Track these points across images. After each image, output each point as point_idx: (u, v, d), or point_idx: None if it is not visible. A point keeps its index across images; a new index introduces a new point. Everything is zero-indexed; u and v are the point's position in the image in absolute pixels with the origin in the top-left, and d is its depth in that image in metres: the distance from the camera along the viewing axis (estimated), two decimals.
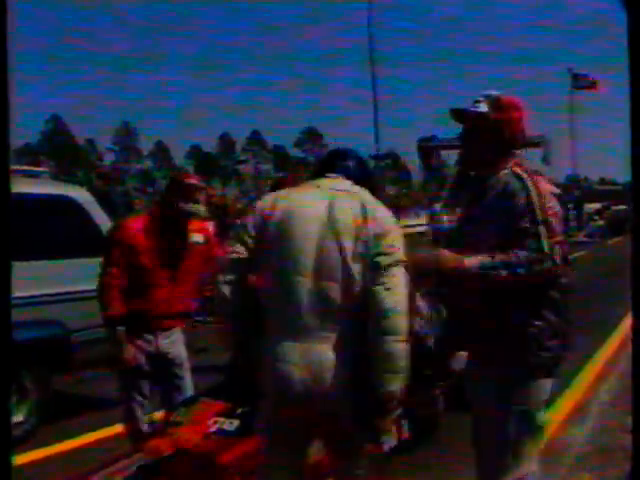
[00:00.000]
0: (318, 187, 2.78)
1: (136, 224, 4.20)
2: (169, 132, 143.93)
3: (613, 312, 9.60)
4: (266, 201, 2.78)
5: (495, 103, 2.89)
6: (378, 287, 2.51)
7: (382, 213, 2.68)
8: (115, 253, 4.09)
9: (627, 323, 9.57)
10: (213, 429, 3.53)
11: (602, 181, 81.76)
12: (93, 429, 5.43)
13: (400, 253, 2.59)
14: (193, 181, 4.27)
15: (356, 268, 2.55)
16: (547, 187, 2.82)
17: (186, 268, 4.23)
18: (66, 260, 5.79)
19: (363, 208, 2.63)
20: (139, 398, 4.15)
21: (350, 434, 2.64)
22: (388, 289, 2.51)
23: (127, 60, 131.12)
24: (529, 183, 2.75)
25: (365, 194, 2.73)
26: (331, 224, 2.60)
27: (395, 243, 2.61)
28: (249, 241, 2.69)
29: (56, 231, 5.84)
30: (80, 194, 6.39)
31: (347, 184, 2.77)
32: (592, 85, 39.71)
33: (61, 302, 5.60)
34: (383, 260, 2.54)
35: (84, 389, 6.59)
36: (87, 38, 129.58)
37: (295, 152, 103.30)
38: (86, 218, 6.13)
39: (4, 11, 1.40)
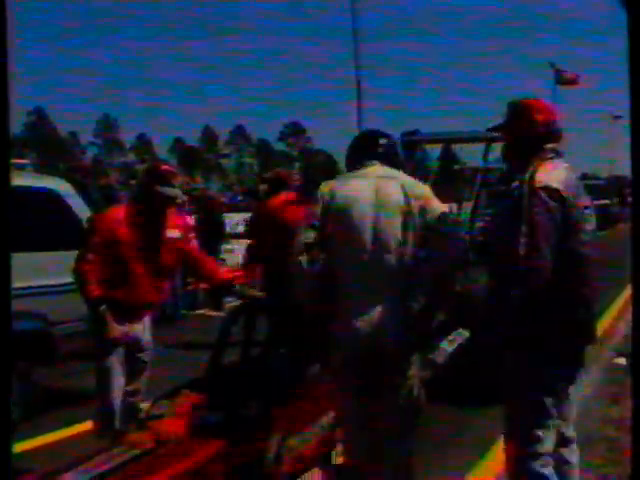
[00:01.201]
0: (365, 176, 3.30)
1: (116, 215, 4.21)
2: (151, 125, 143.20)
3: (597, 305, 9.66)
4: (325, 191, 3.29)
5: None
6: (436, 239, 3.12)
7: (419, 188, 3.27)
8: (94, 241, 4.11)
9: (610, 317, 9.66)
10: (195, 421, 3.53)
11: (584, 176, 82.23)
12: (76, 422, 5.39)
13: (443, 206, 3.23)
14: (169, 168, 4.33)
15: (406, 239, 3.10)
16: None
17: (162, 262, 4.27)
18: (47, 253, 5.75)
19: (403, 188, 3.18)
20: (118, 380, 4.20)
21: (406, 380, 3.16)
22: (445, 237, 3.13)
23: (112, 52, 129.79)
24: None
25: (401, 175, 3.31)
26: (381, 206, 3.16)
27: (435, 205, 3.18)
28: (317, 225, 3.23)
29: (37, 223, 5.78)
30: (62, 187, 6.34)
31: (386, 170, 3.32)
32: (574, 80, 39.89)
33: (43, 295, 5.56)
34: (432, 222, 3.11)
35: (67, 382, 6.55)
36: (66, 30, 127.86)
37: (279, 146, 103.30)
38: (67, 211, 6.08)
39: (3, 11, 1.38)
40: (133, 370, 4.37)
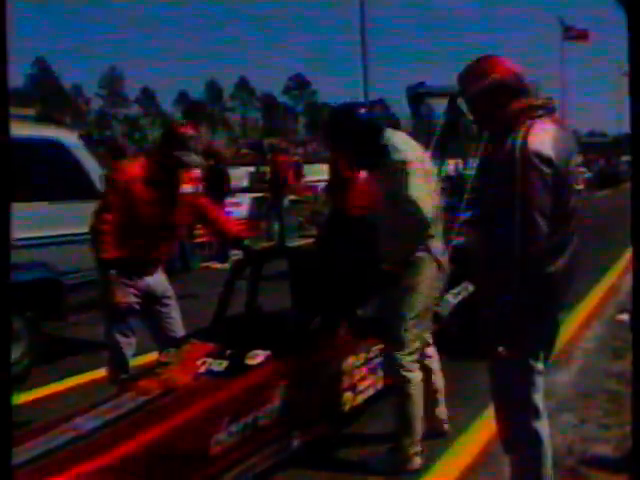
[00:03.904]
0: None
1: (132, 172, 4.16)
2: (155, 78, 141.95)
3: (599, 262, 9.69)
4: (405, 149, 3.78)
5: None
6: None
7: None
8: (112, 199, 4.09)
9: (613, 272, 9.70)
10: (202, 370, 3.58)
11: (592, 133, 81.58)
12: (85, 371, 5.47)
13: None
14: (189, 131, 4.22)
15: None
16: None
17: (176, 219, 4.28)
18: (55, 203, 5.76)
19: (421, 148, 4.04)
20: (127, 339, 4.20)
21: None
22: None
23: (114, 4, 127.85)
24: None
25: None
26: (427, 163, 3.98)
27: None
28: None
29: (43, 174, 5.79)
30: (67, 137, 6.33)
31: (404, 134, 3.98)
32: (583, 36, 39.33)
33: (51, 245, 5.60)
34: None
35: (76, 332, 6.63)
36: None
37: (283, 99, 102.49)
38: (74, 161, 6.08)
39: (3, 11, 1.37)
40: (159, 324, 4.35)
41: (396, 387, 3.82)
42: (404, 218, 3.64)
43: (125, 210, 4.05)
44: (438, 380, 4.11)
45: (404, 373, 3.74)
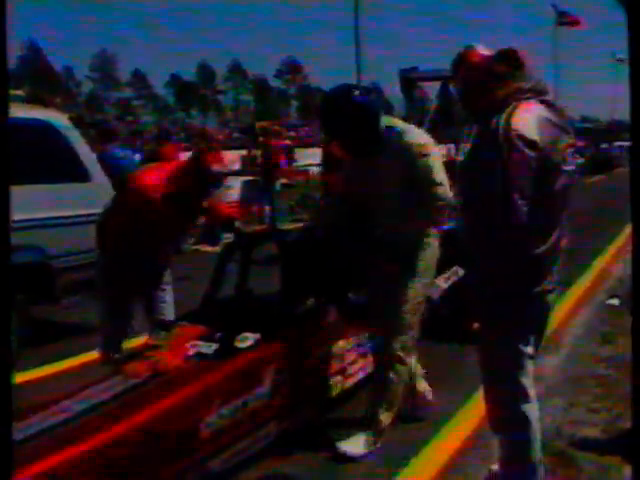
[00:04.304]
0: None
1: (150, 181, 3.93)
2: (147, 60, 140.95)
3: (591, 247, 9.72)
4: (418, 132, 3.81)
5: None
6: None
7: None
8: (122, 202, 4.10)
9: (603, 257, 9.73)
10: (192, 352, 3.58)
11: (584, 119, 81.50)
12: (75, 354, 5.46)
13: None
14: (216, 155, 3.96)
15: None
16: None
17: (182, 221, 4.26)
18: (43, 185, 5.72)
19: None
20: (124, 321, 4.22)
21: None
22: None
23: None
24: None
25: None
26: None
27: None
28: None
29: (33, 155, 5.74)
30: (58, 119, 6.27)
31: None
32: (576, 22, 39.22)
33: (40, 227, 5.56)
34: None
35: (67, 315, 6.60)
36: None
37: (275, 83, 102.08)
38: (64, 143, 6.03)
39: (3, 10, 1.35)
40: (152, 306, 4.36)
41: (386, 367, 3.82)
42: (427, 203, 3.65)
43: (135, 215, 3.97)
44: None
45: (400, 355, 3.77)
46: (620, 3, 1.68)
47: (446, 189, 3.63)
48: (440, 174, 3.64)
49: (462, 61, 3.03)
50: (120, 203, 4.12)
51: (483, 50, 3.00)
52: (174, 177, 3.94)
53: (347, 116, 3.65)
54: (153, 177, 3.96)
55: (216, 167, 3.88)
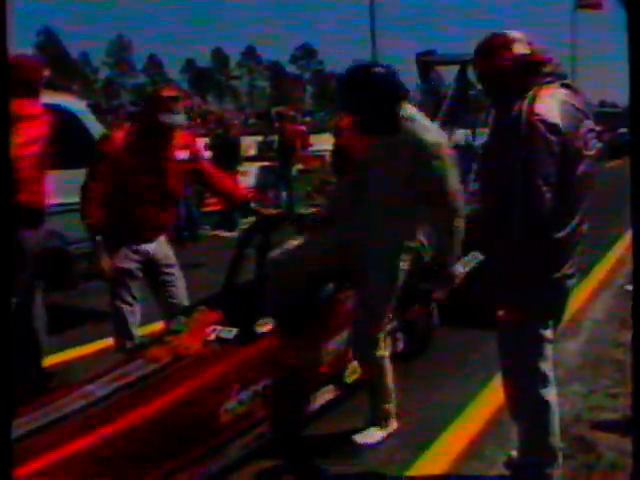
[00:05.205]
0: None
1: (118, 139, 4.14)
2: (162, 46, 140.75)
3: (610, 231, 9.65)
4: (437, 131, 3.79)
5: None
6: None
7: None
8: (100, 167, 4.08)
9: (623, 243, 9.64)
10: (212, 337, 3.59)
11: (602, 104, 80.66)
12: (92, 341, 5.48)
13: None
14: (170, 92, 4.16)
15: None
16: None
17: (168, 185, 4.22)
18: (63, 171, 5.73)
19: None
20: (129, 307, 4.20)
21: None
22: None
23: None
24: None
25: None
26: None
27: None
28: None
29: (54, 141, 5.74)
30: (75, 104, 6.29)
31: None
32: (596, 5, 38.55)
33: (59, 213, 5.58)
34: None
35: (84, 301, 6.64)
36: None
37: (290, 68, 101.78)
38: (81, 128, 6.05)
39: (3, 10, 1.35)
40: (162, 289, 4.36)
41: (373, 363, 3.78)
42: (442, 214, 3.60)
43: (113, 178, 4.03)
44: None
45: (382, 352, 3.77)
46: (620, 3, 1.65)
47: (461, 203, 3.56)
48: (455, 184, 3.55)
49: (487, 50, 2.95)
50: (94, 169, 4.14)
51: (515, 35, 2.89)
52: (133, 128, 4.23)
53: (368, 88, 3.53)
54: (118, 135, 4.21)
55: (165, 117, 4.00)
